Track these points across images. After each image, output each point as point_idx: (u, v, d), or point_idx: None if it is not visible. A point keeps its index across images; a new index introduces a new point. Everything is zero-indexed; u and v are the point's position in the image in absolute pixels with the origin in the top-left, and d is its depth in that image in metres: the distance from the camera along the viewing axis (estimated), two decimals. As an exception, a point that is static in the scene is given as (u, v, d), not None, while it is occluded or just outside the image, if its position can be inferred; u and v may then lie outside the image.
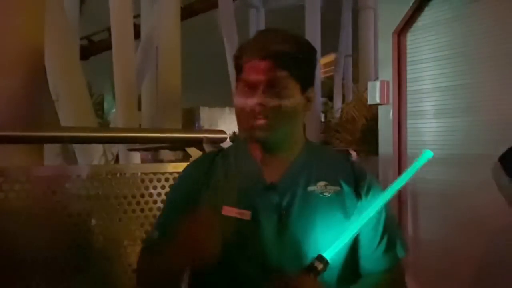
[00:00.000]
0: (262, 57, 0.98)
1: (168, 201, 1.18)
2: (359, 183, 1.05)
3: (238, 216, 0.99)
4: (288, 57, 0.99)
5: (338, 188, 1.03)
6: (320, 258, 0.93)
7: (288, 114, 1.00)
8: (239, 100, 1.02)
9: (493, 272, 2.10)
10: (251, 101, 0.99)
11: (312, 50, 1.06)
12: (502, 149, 1.80)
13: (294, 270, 0.95)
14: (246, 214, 0.99)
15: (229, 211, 1.00)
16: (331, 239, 0.96)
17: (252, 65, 0.99)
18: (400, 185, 0.99)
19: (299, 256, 0.98)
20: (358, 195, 1.04)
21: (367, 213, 0.98)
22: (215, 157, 1.11)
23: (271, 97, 0.98)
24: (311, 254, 0.96)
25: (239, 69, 1.03)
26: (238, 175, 1.05)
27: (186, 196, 1.08)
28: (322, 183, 1.02)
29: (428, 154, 1.02)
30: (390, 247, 1.05)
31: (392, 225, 1.09)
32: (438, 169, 2.53)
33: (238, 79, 1.04)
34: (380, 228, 1.05)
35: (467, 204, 2.32)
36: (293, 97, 1.00)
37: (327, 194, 1.02)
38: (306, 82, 1.03)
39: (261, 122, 0.99)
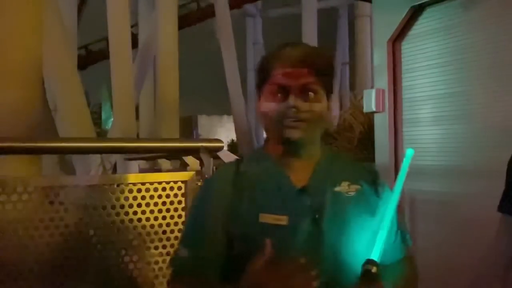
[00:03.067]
0: (295, 63, 1.04)
1: (195, 216, 1.12)
2: (376, 181, 1.11)
3: (276, 222, 1.01)
4: (318, 64, 1.05)
5: (359, 186, 1.08)
6: (371, 262, 0.95)
7: (316, 118, 1.05)
8: (269, 105, 1.06)
9: (488, 279, 2.10)
10: (284, 105, 1.03)
11: (333, 59, 1.14)
12: (498, 155, 1.80)
13: (332, 271, 0.98)
14: (283, 219, 1.01)
15: (266, 218, 1.02)
16: (362, 236, 1.01)
17: (286, 71, 1.04)
18: (402, 182, 1.04)
19: (335, 255, 1.01)
20: (377, 193, 1.09)
21: (390, 210, 1.01)
22: (237, 167, 1.11)
23: (303, 101, 1.03)
24: (346, 253, 1.00)
25: (267, 76, 1.07)
26: (269, 182, 1.06)
27: (216, 210, 1.05)
28: (345, 183, 1.07)
29: (410, 152, 1.06)
30: (403, 239, 1.13)
31: (401, 218, 1.15)
32: (434, 176, 2.54)
33: (265, 86, 1.07)
34: (394, 223, 1.10)
35: (463, 210, 2.33)
36: (321, 103, 1.06)
37: (352, 193, 1.07)
38: (330, 89, 1.09)
39: (293, 124, 1.03)
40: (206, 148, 1.87)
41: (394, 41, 2.77)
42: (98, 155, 6.48)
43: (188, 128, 18.17)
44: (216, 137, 2.16)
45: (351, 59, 14.69)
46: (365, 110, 2.95)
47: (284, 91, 1.04)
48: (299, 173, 1.07)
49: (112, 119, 10.51)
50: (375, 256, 0.96)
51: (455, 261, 2.37)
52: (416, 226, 2.64)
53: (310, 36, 11.27)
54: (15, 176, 1.72)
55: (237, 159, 1.18)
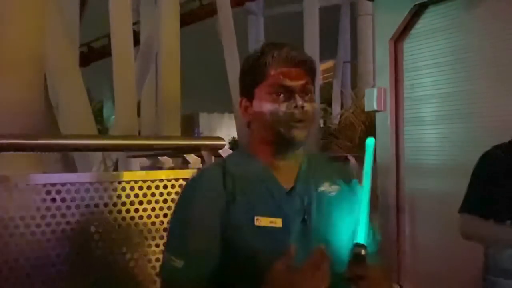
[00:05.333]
0: (296, 65, 1.05)
1: (187, 222, 1.05)
2: (351, 180, 1.15)
3: (271, 225, 1.02)
4: (312, 66, 1.08)
5: (338, 186, 1.12)
6: (359, 245, 0.98)
7: (315, 118, 1.10)
8: (273, 106, 1.04)
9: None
10: (291, 105, 1.04)
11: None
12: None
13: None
14: (278, 222, 1.03)
15: (262, 221, 1.02)
16: (345, 231, 1.04)
17: (285, 71, 1.05)
18: (369, 177, 1.05)
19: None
20: (353, 191, 1.13)
21: (365, 201, 1.03)
22: (224, 169, 1.09)
23: (305, 101, 1.05)
24: (333, 248, 1.01)
25: (263, 76, 1.06)
26: (259, 184, 1.06)
27: (210, 215, 1.03)
28: (327, 183, 1.11)
29: (370, 141, 1.06)
30: (373, 234, 1.15)
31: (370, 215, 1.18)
32: (435, 175, 2.54)
33: (263, 86, 1.06)
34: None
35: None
36: (315, 103, 1.09)
37: (333, 193, 1.10)
38: (315, 90, 1.12)
39: (300, 125, 1.04)
40: (207, 146, 1.87)
41: (396, 40, 2.76)
42: (100, 153, 6.49)
43: (189, 126, 18.18)
44: (217, 135, 2.16)
45: (353, 58, 14.67)
46: (366, 108, 2.95)
47: (286, 92, 1.04)
48: (285, 174, 1.08)
49: (113, 116, 10.52)
50: (361, 240, 0.99)
51: (455, 259, 2.37)
52: (417, 224, 2.64)
53: (311, 34, 11.26)
54: (16, 173, 1.72)
55: (221, 161, 1.17)
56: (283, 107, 1.04)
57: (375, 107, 2.79)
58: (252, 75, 1.08)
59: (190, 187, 1.10)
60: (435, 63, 2.61)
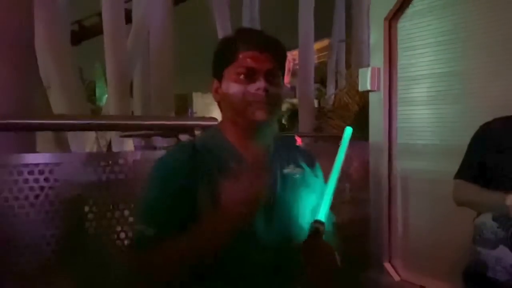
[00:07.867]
0: (263, 48, 1.09)
1: (155, 195, 1.10)
2: (314, 165, 1.23)
3: None
4: (281, 52, 1.13)
5: (302, 169, 1.19)
6: (319, 222, 1.08)
7: (279, 102, 1.13)
8: (237, 87, 1.09)
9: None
10: (254, 87, 1.07)
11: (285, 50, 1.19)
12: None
13: (283, 242, 1.09)
14: None
15: None
16: (307, 212, 1.13)
17: (253, 54, 1.09)
18: (340, 162, 1.15)
19: (286, 230, 1.11)
20: (315, 175, 1.22)
21: (331, 184, 1.13)
22: (194, 148, 1.14)
23: (271, 85, 1.09)
24: (294, 228, 1.11)
25: (232, 58, 1.10)
26: (227, 164, 1.10)
27: (178, 191, 1.07)
28: (291, 166, 1.18)
29: (348, 130, 1.19)
30: (330, 214, 1.22)
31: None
32: (428, 156, 2.56)
33: (231, 68, 1.11)
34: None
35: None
36: (282, 87, 1.13)
37: (297, 175, 1.17)
38: (283, 75, 1.17)
39: (263, 106, 1.08)
40: (201, 126, 1.88)
41: (391, 19, 2.74)
42: (93, 132, 6.46)
43: (182, 106, 18.08)
44: (210, 115, 2.16)
45: (348, 37, 14.54)
46: (360, 88, 2.94)
47: (251, 74, 1.08)
48: (255, 156, 1.13)
49: (106, 96, 10.44)
50: (321, 217, 1.08)
51: (446, 238, 2.41)
52: (408, 204, 2.67)
53: (307, 12, 11.13)
54: (9, 153, 1.71)
55: (193, 139, 1.26)
56: (247, 89, 1.08)
57: (369, 87, 2.78)
58: (223, 56, 1.13)
59: (162, 162, 1.14)
60: (430, 43, 2.59)
